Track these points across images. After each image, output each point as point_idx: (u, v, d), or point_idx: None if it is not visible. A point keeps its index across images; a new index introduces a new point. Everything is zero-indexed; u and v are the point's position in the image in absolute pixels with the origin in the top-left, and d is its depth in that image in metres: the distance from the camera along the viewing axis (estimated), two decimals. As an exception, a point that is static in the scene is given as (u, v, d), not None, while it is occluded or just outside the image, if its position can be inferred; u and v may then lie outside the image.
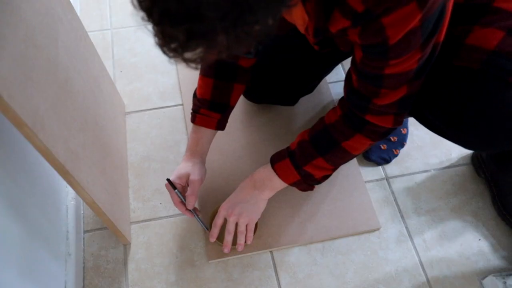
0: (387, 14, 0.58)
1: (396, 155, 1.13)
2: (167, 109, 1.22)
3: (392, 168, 1.12)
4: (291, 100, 1.16)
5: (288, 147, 0.90)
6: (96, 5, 1.44)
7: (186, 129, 1.17)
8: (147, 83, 1.26)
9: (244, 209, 0.93)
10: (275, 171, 0.90)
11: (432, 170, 1.12)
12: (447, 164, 1.13)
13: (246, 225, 0.94)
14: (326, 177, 0.91)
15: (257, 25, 0.46)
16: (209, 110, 0.95)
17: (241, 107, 1.19)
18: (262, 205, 0.95)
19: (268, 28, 0.47)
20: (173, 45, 0.47)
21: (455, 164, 1.13)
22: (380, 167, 1.12)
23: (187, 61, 0.49)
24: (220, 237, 0.97)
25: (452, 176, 1.11)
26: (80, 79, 0.84)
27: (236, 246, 0.95)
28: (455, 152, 1.15)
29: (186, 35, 0.46)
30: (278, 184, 0.91)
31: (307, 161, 0.86)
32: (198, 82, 0.96)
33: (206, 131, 0.97)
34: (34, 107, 0.60)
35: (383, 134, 0.81)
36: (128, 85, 1.26)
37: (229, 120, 1.17)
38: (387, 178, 1.11)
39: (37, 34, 0.66)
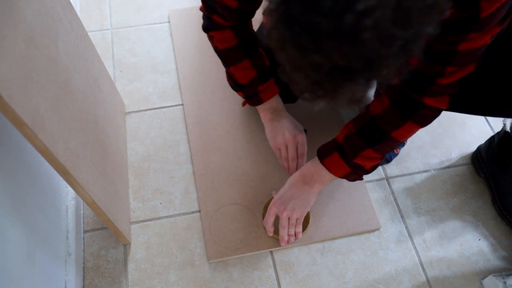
0: None
1: (396, 155, 1.13)
2: (167, 109, 1.22)
3: (392, 168, 1.12)
4: (292, 98, 1.16)
5: (334, 140, 0.90)
6: (96, 5, 1.44)
7: (186, 129, 1.17)
8: (147, 83, 1.26)
9: (296, 205, 0.94)
10: (324, 165, 0.90)
11: (432, 170, 1.12)
12: (447, 164, 1.13)
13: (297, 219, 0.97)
14: (375, 167, 0.90)
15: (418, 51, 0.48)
16: (264, 82, 0.98)
17: (241, 107, 1.19)
18: (312, 199, 0.96)
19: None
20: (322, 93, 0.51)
21: (455, 164, 1.13)
22: (380, 167, 1.12)
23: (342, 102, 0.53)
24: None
25: (452, 176, 1.11)
26: (80, 79, 0.83)
27: (288, 238, 0.97)
28: (455, 152, 1.15)
29: (365, 83, 0.49)
30: (328, 177, 0.92)
31: (357, 154, 0.86)
32: (234, 74, 0.98)
33: (274, 100, 1.01)
34: (34, 107, 0.60)
35: (433, 119, 0.80)
36: (128, 85, 1.26)
37: (229, 120, 1.18)
38: (387, 178, 1.11)
39: (37, 34, 0.66)
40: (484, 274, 0.98)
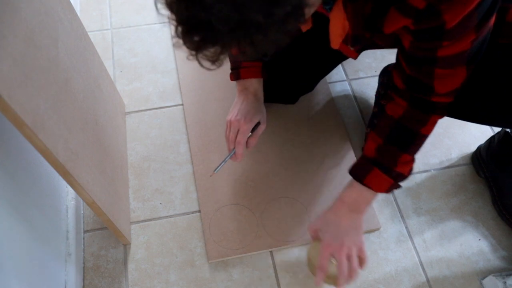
0: (446, 1, 0.59)
1: (396, 155, 1.13)
2: (167, 109, 1.22)
3: (392, 168, 1.12)
4: (292, 99, 1.16)
5: (364, 158, 0.86)
6: (96, 5, 1.44)
7: (186, 129, 1.17)
8: (147, 83, 1.26)
9: (352, 239, 0.86)
10: (366, 185, 0.85)
11: (432, 170, 1.12)
12: (447, 164, 1.13)
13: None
14: (411, 170, 0.86)
15: (267, 39, 0.48)
16: (250, 61, 0.96)
17: (241, 107, 1.19)
18: (361, 225, 0.89)
19: (281, 41, 0.49)
20: (188, 46, 0.52)
21: (455, 164, 1.13)
22: (380, 167, 1.12)
23: (204, 58, 0.54)
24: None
25: (452, 176, 1.11)
26: (80, 79, 0.84)
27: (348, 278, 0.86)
28: (455, 152, 1.15)
29: (199, 41, 0.50)
30: (372, 197, 0.87)
31: (396, 162, 0.83)
32: None
33: (253, 82, 0.98)
34: (34, 107, 0.60)
35: (448, 107, 0.81)
36: (128, 85, 1.26)
37: (229, 120, 1.18)
38: (387, 178, 1.11)
39: (37, 34, 0.66)
40: (484, 274, 0.98)
